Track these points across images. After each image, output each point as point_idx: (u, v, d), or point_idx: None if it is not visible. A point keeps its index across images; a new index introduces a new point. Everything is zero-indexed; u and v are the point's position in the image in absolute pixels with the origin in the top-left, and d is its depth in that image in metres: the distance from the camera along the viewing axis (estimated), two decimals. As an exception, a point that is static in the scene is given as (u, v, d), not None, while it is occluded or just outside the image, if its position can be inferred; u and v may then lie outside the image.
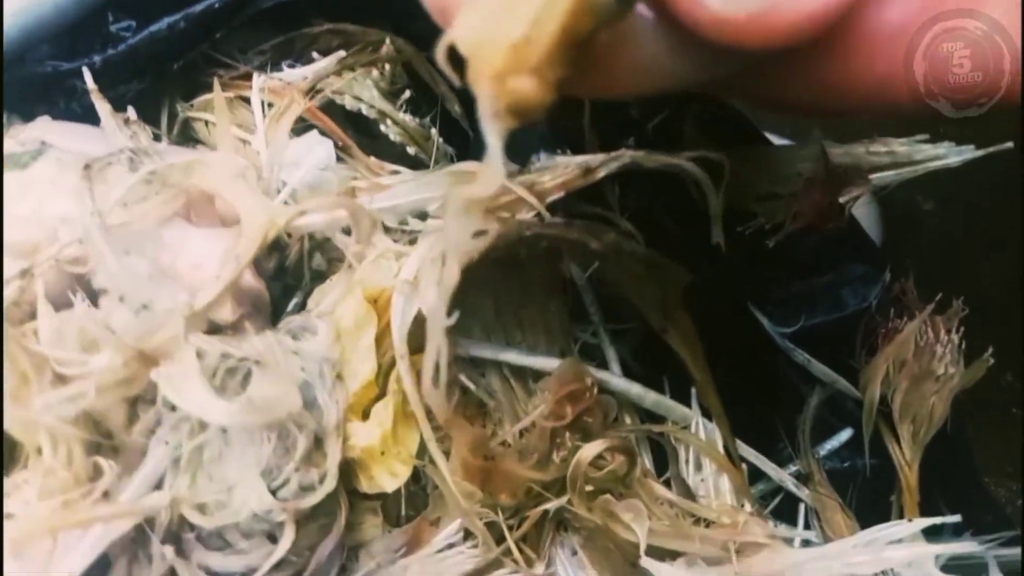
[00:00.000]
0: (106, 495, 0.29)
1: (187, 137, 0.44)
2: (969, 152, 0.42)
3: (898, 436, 0.45)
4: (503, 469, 0.40)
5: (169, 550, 0.30)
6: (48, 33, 0.42)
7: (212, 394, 0.28)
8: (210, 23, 0.41)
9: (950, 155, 0.43)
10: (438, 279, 0.34)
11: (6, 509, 0.27)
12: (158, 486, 0.31)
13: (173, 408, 0.31)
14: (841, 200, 0.41)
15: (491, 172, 0.21)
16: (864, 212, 0.54)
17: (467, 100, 0.46)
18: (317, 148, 0.37)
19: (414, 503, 0.41)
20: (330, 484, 0.33)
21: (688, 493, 0.43)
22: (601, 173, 0.39)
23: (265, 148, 0.37)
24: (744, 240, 0.44)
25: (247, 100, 0.42)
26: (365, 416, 0.36)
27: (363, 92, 0.42)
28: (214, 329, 0.33)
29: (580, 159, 0.39)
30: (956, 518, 0.42)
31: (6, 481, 0.28)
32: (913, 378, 0.44)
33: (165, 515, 0.31)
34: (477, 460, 0.39)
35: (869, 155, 0.43)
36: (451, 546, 0.40)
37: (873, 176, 0.43)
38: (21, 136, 0.37)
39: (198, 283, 0.31)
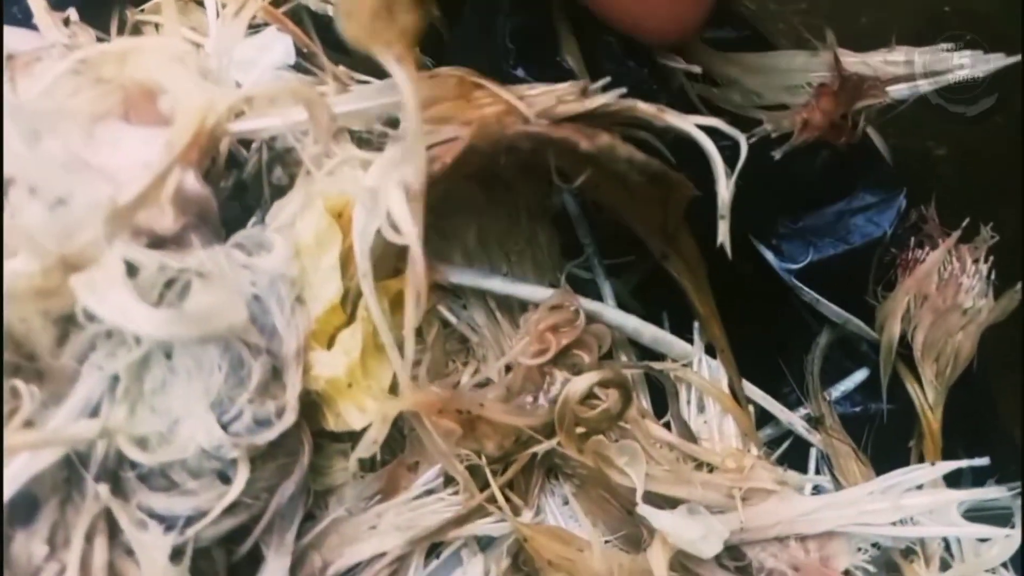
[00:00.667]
0: (29, 425, 0.25)
1: (137, 45, 0.39)
2: (999, 60, 0.38)
3: (920, 376, 0.41)
4: (485, 417, 0.36)
5: (104, 488, 0.26)
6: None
7: (138, 301, 0.24)
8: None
9: (976, 64, 0.39)
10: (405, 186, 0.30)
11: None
12: (92, 418, 0.27)
13: (110, 334, 0.28)
14: (855, 109, 0.37)
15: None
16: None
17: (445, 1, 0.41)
18: (275, 45, 0.33)
19: (390, 446, 0.37)
20: (289, 418, 0.29)
21: (689, 435, 0.39)
22: (599, 101, 0.34)
23: (218, 44, 0.33)
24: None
25: (202, 4, 0.38)
26: (330, 345, 0.32)
27: (330, -9, 0.38)
28: (157, 243, 0.29)
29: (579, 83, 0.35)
30: (984, 461, 0.38)
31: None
32: (937, 312, 0.40)
33: (100, 449, 0.27)
34: (450, 418, 0.35)
35: (887, 64, 0.39)
36: (430, 492, 0.36)
37: (891, 88, 0.39)
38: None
39: (130, 186, 0.27)
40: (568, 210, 0.43)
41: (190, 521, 0.28)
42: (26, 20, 0.38)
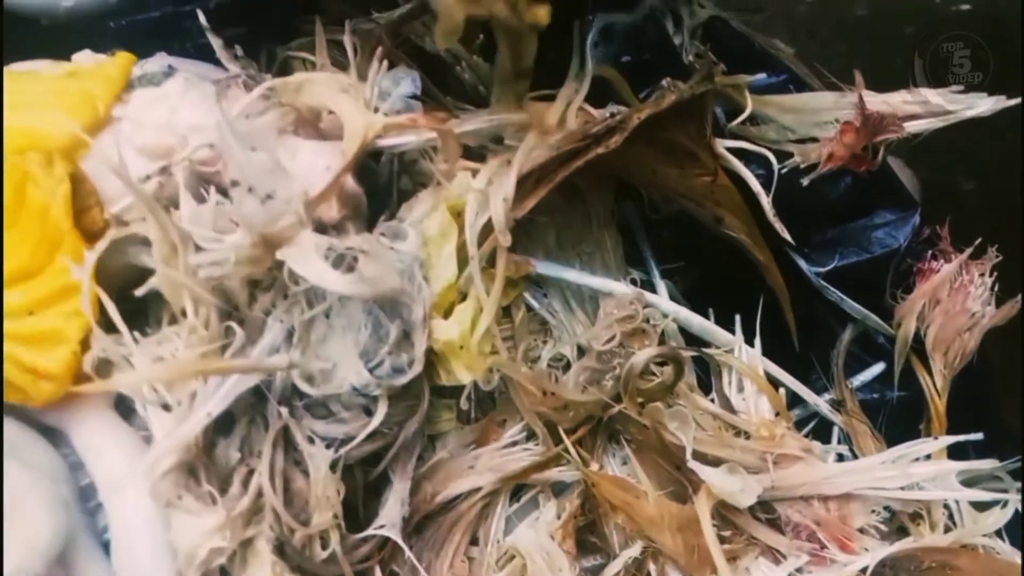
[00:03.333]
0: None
1: (285, 75, 0.48)
2: (1001, 102, 0.46)
3: (929, 367, 0.48)
4: (561, 396, 0.44)
5: (284, 410, 0.35)
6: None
7: (330, 268, 0.33)
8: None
9: (982, 105, 0.46)
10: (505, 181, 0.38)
11: (157, 354, 0.32)
12: (276, 357, 0.36)
13: (286, 295, 0.36)
14: (876, 142, 0.45)
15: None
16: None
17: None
18: (404, 80, 0.42)
19: (482, 406, 0.45)
20: (417, 368, 0.38)
21: (730, 408, 0.47)
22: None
23: (357, 81, 0.42)
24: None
25: (338, 43, 0.47)
26: (447, 316, 0.40)
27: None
28: (322, 229, 0.37)
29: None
30: (978, 436, 0.45)
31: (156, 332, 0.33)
32: (948, 314, 0.47)
33: (279, 383, 0.36)
34: (538, 393, 0.43)
35: (905, 104, 0.47)
36: (515, 443, 0.44)
37: (908, 124, 0.47)
38: (146, 65, 0.42)
39: (309, 185, 0.36)
40: (630, 223, 0.51)
41: (342, 443, 0.37)
42: (198, 55, 0.47)
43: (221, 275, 0.32)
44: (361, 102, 0.37)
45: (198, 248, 0.33)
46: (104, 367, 0.33)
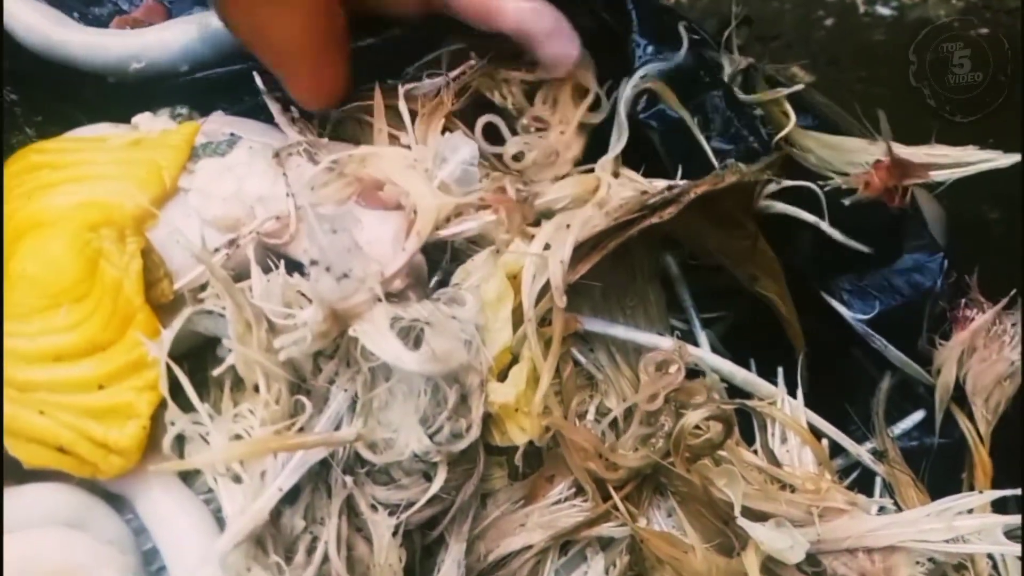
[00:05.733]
0: (301, 430, 0.35)
1: (338, 135, 0.49)
2: (1015, 157, 0.47)
3: (971, 414, 0.49)
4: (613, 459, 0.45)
5: (350, 480, 0.36)
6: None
7: (403, 347, 0.33)
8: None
9: (997, 159, 0.48)
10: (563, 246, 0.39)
11: (236, 431, 0.33)
12: (337, 427, 0.36)
13: (348, 362, 0.37)
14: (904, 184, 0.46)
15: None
16: (932, 220, 0.58)
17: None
18: (463, 147, 0.42)
19: (530, 462, 0.46)
20: (475, 432, 0.38)
21: (775, 461, 0.47)
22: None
23: (415, 144, 0.43)
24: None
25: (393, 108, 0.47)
26: (502, 377, 0.41)
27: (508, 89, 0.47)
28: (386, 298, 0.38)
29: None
30: (1018, 491, 0.46)
31: (233, 407, 0.34)
32: (987, 362, 0.48)
33: (342, 452, 0.36)
34: (592, 451, 0.44)
35: (928, 156, 0.48)
36: (564, 499, 0.45)
37: (932, 172, 0.48)
38: (207, 128, 0.43)
39: (375, 255, 0.37)
40: (670, 272, 0.52)
41: (402, 509, 0.37)
42: (250, 114, 0.48)
43: (299, 354, 0.33)
44: (430, 181, 0.38)
45: (269, 323, 0.34)
46: (176, 441, 0.34)
